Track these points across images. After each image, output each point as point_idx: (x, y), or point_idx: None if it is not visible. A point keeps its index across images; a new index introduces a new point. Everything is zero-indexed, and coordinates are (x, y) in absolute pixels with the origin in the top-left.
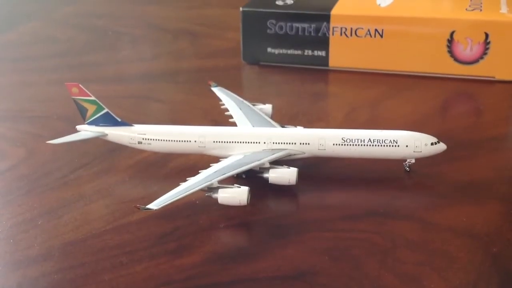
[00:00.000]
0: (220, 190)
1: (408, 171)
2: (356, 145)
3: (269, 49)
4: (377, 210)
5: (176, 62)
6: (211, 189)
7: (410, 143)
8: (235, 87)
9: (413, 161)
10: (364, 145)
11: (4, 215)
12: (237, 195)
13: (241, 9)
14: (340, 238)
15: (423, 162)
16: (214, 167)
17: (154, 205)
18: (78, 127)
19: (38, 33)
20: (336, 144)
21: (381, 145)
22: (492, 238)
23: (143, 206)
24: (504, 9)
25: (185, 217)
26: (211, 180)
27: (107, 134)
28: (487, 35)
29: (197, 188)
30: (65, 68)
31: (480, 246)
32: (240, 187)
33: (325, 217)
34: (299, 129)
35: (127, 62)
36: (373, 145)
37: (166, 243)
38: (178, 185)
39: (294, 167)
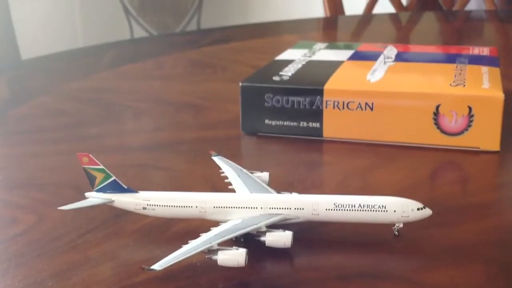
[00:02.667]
0: (219, 252)
1: (397, 235)
2: (347, 210)
3: (266, 121)
4: (368, 271)
5: (178, 132)
6: (211, 251)
7: (398, 209)
8: (234, 156)
9: (401, 225)
10: (355, 210)
11: (16, 277)
12: (236, 256)
13: (240, 84)
14: None
15: (412, 226)
16: (214, 230)
17: (158, 266)
18: (87, 194)
19: (48, 106)
20: (329, 209)
21: (370, 210)
22: None
23: (147, 267)
24: (486, 85)
25: (186, 278)
26: (211, 243)
27: (113, 201)
28: (470, 109)
29: (198, 250)
30: (72, 139)
31: None
32: (238, 249)
33: (318, 277)
34: (294, 195)
35: (131, 133)
36: (363, 210)
37: None
38: (180, 247)
39: (289, 230)
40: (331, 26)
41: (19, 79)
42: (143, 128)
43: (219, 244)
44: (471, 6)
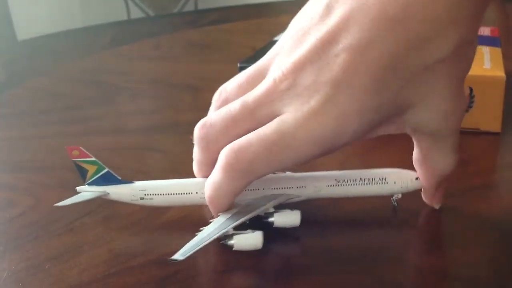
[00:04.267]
0: (235, 237)
1: (396, 205)
2: (348, 185)
3: None
4: (368, 252)
5: (176, 114)
6: (227, 236)
7: (398, 180)
8: None
9: (400, 195)
10: (356, 184)
11: (13, 260)
12: (253, 239)
13: (238, 65)
14: (331, 280)
15: (411, 209)
16: (224, 215)
17: (180, 256)
18: (78, 188)
19: (44, 88)
20: (331, 185)
21: (372, 183)
22: (477, 281)
23: (170, 258)
24: (487, 65)
25: (185, 261)
26: (226, 228)
27: (108, 193)
28: (471, 89)
29: (215, 237)
30: (69, 121)
31: None
32: (254, 231)
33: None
34: (293, 174)
35: (129, 115)
36: (364, 184)
37: (168, 285)
38: (195, 235)
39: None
40: None
41: (14, 60)
42: (141, 109)
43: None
44: None
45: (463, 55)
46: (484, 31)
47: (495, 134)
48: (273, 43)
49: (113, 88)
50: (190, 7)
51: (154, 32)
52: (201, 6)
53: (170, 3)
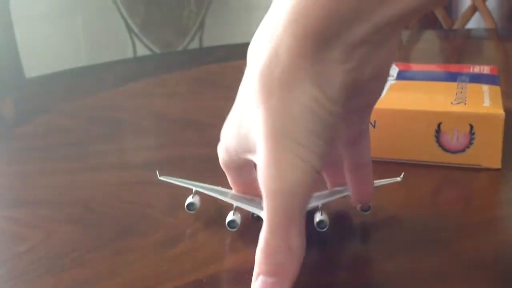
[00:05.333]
0: None
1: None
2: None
3: None
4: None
5: (182, 150)
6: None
7: None
8: None
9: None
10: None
11: None
12: None
13: None
14: None
15: (410, 241)
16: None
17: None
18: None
19: (53, 124)
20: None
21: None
22: None
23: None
24: (486, 103)
25: None
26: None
27: None
28: (471, 127)
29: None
30: (77, 157)
31: None
32: None
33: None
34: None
35: (135, 150)
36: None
37: None
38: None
39: None
40: None
41: (23, 98)
42: (147, 145)
43: None
44: (471, 24)
45: None
46: (484, 69)
47: (496, 170)
48: None
49: (120, 124)
50: (195, 44)
51: (160, 69)
52: (206, 43)
53: (175, 40)
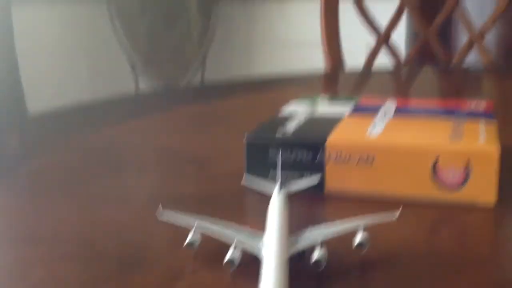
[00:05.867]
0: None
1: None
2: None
3: (272, 171)
4: None
5: (183, 187)
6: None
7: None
8: (237, 209)
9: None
10: None
11: None
12: None
13: (245, 141)
14: None
15: (404, 279)
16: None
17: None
18: None
19: (56, 161)
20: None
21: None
22: None
23: None
24: (482, 140)
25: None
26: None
27: None
28: (467, 163)
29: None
30: (77, 194)
31: None
32: None
33: None
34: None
35: (137, 187)
36: None
37: None
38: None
39: None
40: (332, 81)
41: (27, 135)
42: (149, 182)
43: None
44: (469, 60)
45: None
46: (480, 105)
47: (492, 206)
48: (278, 117)
49: (122, 161)
50: (197, 79)
51: (162, 105)
52: (208, 77)
53: (177, 76)
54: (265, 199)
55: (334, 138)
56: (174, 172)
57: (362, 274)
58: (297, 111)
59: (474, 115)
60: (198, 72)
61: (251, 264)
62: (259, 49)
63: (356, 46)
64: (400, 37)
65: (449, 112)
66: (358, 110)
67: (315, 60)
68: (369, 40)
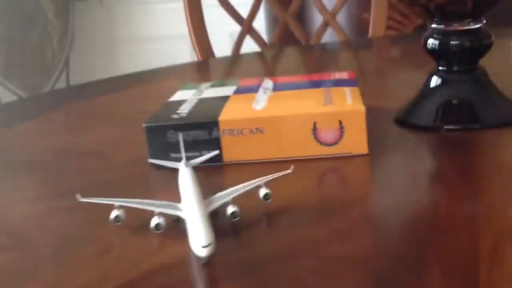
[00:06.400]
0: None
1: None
2: None
3: (172, 155)
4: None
5: (85, 178)
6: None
7: None
8: (146, 190)
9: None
10: None
11: None
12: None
13: (143, 125)
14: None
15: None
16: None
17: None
18: None
19: None
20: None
21: None
22: None
23: None
24: (349, 101)
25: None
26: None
27: None
28: (340, 122)
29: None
30: None
31: None
32: None
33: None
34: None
35: (34, 186)
36: None
37: None
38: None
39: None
40: (205, 69)
41: None
42: (46, 181)
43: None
44: (326, 39)
45: None
46: (343, 75)
47: (364, 155)
48: (169, 103)
49: (13, 164)
50: (62, 83)
51: (36, 111)
52: (73, 81)
53: (40, 82)
54: (171, 178)
55: (225, 115)
56: (75, 166)
57: (270, 220)
58: (186, 98)
59: (339, 83)
60: (63, 75)
61: (175, 228)
62: (123, 46)
63: (221, 35)
64: (261, 22)
65: (318, 83)
66: (240, 91)
67: (182, 53)
68: (233, 28)
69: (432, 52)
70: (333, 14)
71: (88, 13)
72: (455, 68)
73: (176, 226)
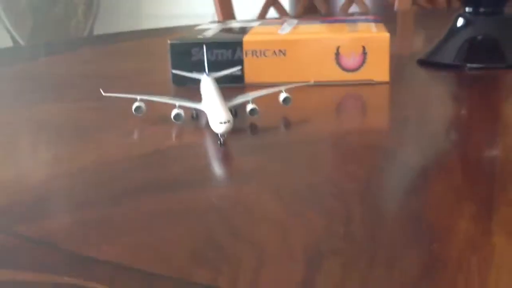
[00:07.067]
0: None
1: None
2: None
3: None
4: None
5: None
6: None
7: None
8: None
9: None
10: None
11: None
12: None
13: (169, 42)
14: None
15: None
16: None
17: None
18: None
19: None
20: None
21: None
22: None
23: None
24: (374, 30)
25: None
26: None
27: None
28: (364, 48)
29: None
30: None
31: None
32: None
33: None
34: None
35: (47, 103)
36: None
37: None
38: None
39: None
40: None
41: None
42: (75, 94)
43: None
44: (351, 11)
45: None
46: (368, 17)
47: (385, 83)
48: (195, 30)
49: (50, 84)
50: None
51: (71, 47)
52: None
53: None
54: (194, 95)
55: (249, 37)
56: (100, 86)
57: (285, 120)
58: (211, 27)
59: (365, 20)
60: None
61: (194, 121)
62: (147, 21)
63: (246, 6)
64: None
65: (344, 20)
66: (266, 23)
67: (204, 15)
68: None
69: None
70: None
71: None
72: (481, 10)
73: (195, 122)
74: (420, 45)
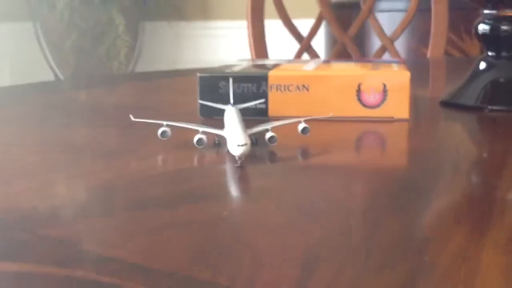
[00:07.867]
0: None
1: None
2: None
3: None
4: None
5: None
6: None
7: None
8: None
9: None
10: None
11: None
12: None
13: (198, 75)
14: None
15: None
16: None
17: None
18: None
19: None
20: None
21: None
22: None
23: None
24: (395, 68)
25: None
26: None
27: None
28: (384, 86)
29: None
30: None
31: None
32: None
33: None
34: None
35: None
36: None
37: None
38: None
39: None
40: None
41: None
42: (108, 119)
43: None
44: None
45: None
46: (394, 59)
47: (405, 120)
48: (224, 65)
49: (83, 112)
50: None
51: (110, 83)
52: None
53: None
54: (219, 122)
55: (275, 72)
56: (133, 114)
57: (303, 148)
58: (241, 63)
59: (389, 61)
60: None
61: (216, 147)
62: (185, 67)
63: (280, 52)
64: (320, 43)
65: (369, 60)
66: (292, 61)
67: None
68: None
69: (482, 37)
70: (392, 39)
71: (157, 33)
72: (503, 54)
73: (217, 148)
74: (447, 89)
